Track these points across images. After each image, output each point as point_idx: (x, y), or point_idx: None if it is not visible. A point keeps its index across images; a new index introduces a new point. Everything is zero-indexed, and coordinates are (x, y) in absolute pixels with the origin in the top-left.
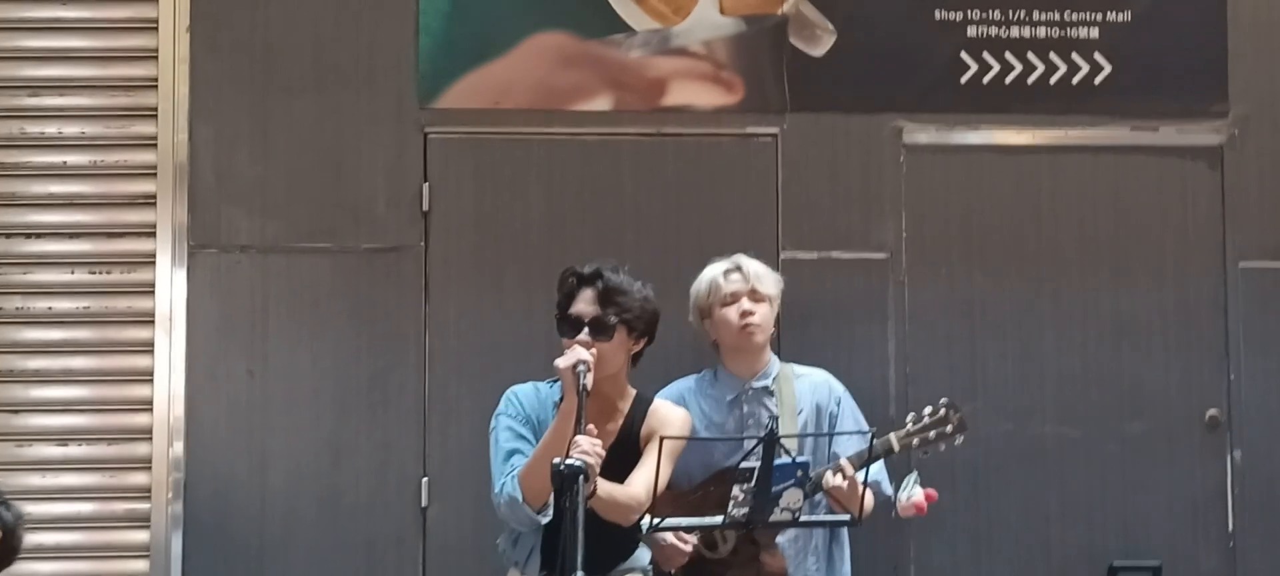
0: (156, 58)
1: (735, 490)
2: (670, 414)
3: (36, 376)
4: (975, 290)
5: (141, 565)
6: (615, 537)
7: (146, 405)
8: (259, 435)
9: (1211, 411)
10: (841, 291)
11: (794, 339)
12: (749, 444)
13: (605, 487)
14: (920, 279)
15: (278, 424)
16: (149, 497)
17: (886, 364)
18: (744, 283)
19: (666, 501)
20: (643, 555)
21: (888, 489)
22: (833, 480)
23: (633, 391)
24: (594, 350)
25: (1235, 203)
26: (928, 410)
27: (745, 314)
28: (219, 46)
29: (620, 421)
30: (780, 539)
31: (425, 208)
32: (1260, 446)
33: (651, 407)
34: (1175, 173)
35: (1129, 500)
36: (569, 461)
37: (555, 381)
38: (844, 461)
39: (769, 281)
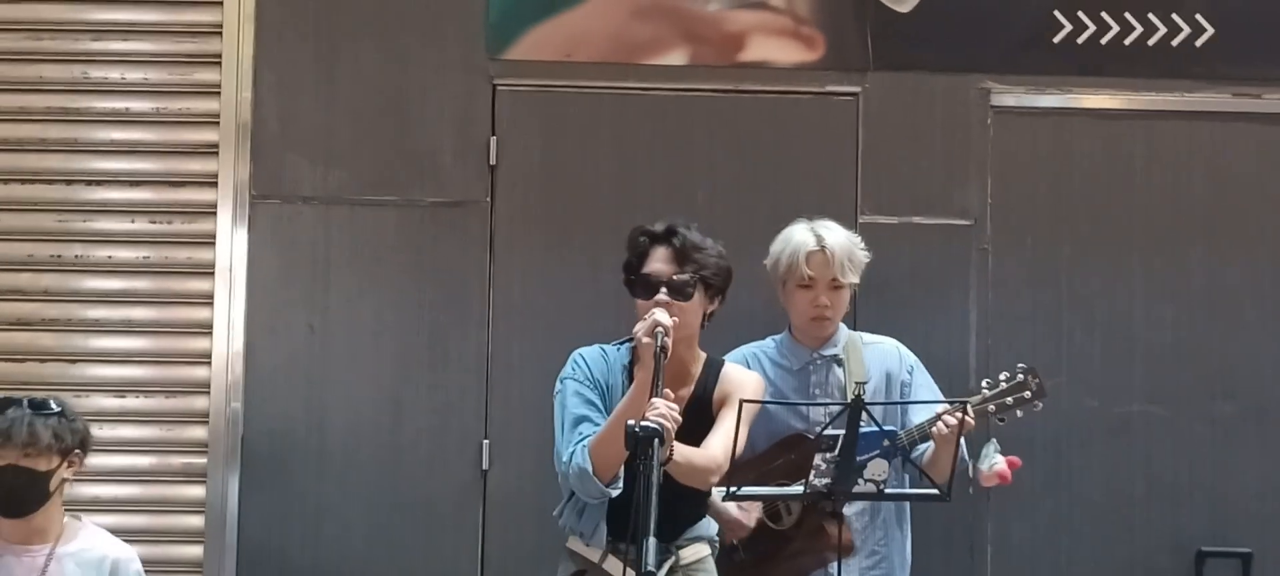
0: (221, 2)
1: (817, 459)
2: (744, 377)
3: (96, 326)
4: (1062, 260)
5: (197, 521)
6: (685, 505)
7: (205, 358)
8: (318, 390)
9: None
10: (922, 258)
11: (871, 306)
12: (832, 410)
13: (682, 451)
14: (1005, 247)
15: (337, 379)
16: (206, 452)
17: (967, 334)
18: (826, 268)
19: (736, 469)
20: (710, 524)
21: (965, 457)
22: (950, 420)
23: (702, 354)
24: (673, 312)
25: None
26: (1004, 376)
27: (820, 306)
28: None
29: (693, 386)
30: (848, 511)
31: (492, 161)
32: None
33: (723, 371)
34: (1278, 141)
35: (1219, 483)
36: (645, 423)
37: (621, 343)
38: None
39: (853, 267)
